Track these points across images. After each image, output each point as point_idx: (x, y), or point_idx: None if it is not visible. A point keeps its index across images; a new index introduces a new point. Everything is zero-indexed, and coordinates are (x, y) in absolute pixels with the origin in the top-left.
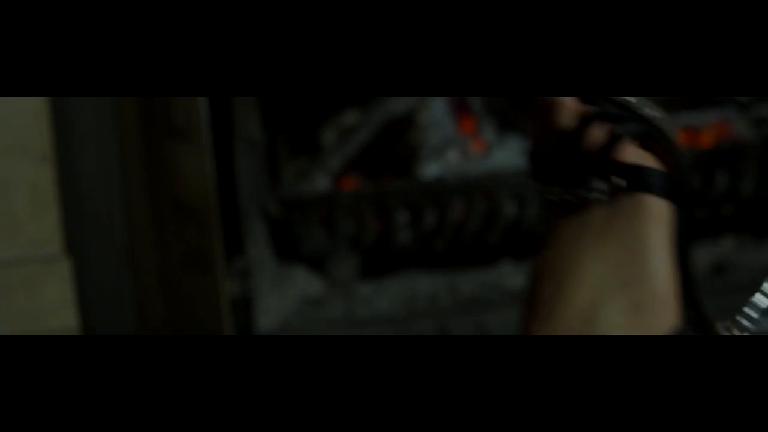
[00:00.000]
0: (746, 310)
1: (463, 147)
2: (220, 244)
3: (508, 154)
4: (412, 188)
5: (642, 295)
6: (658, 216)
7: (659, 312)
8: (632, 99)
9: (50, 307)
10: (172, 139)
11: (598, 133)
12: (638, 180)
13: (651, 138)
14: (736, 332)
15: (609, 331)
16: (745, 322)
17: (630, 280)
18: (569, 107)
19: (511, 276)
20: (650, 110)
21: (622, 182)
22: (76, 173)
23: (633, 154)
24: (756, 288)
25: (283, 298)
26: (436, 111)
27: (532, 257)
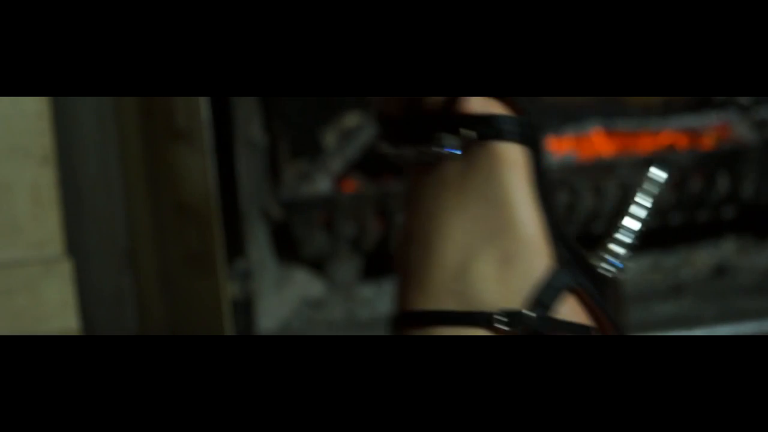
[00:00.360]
0: (614, 243)
1: None
2: (221, 245)
3: None
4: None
5: (510, 244)
6: (513, 162)
7: (530, 258)
8: None
9: (51, 308)
10: (174, 141)
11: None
12: (487, 129)
13: None
14: (606, 266)
15: (483, 285)
16: (612, 256)
17: (496, 230)
18: None
19: None
20: None
21: (472, 133)
22: (77, 175)
23: (479, 104)
24: (758, 290)
25: (284, 299)
26: None
27: None
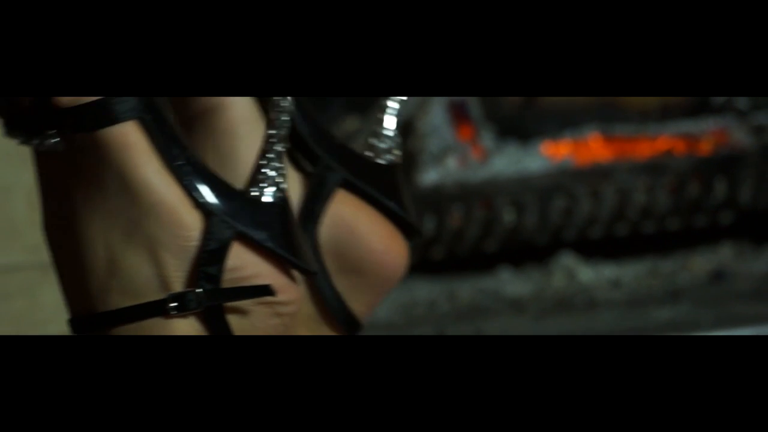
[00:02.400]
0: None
1: (462, 154)
2: None
3: (507, 162)
4: (411, 195)
5: (152, 227)
6: (124, 143)
7: (176, 232)
8: None
9: (48, 312)
10: None
11: None
12: (81, 120)
13: None
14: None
15: (140, 275)
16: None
17: (133, 218)
18: None
19: (510, 283)
20: None
21: (53, 132)
22: None
23: (68, 99)
24: (755, 295)
25: None
26: (435, 118)
27: (531, 265)
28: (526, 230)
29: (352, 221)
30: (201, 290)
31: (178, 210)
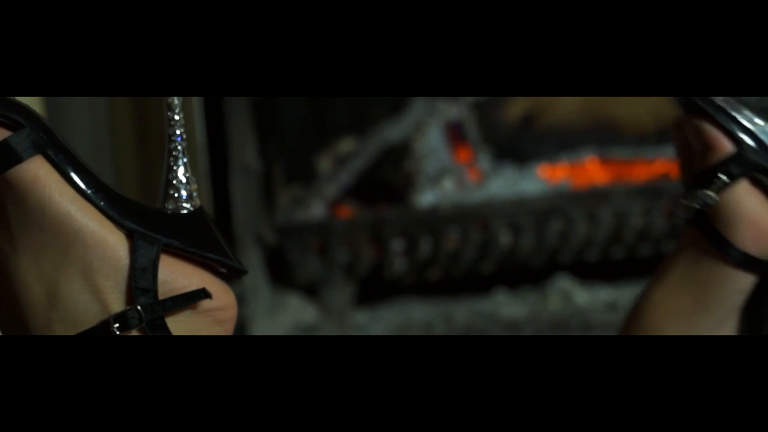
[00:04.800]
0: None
1: (458, 176)
2: None
3: (504, 184)
4: (408, 216)
5: (79, 252)
6: (31, 179)
7: (103, 252)
8: None
9: None
10: None
11: None
12: None
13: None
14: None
15: (78, 302)
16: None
17: (62, 248)
18: None
19: (506, 305)
20: None
21: None
22: None
23: None
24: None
25: (277, 324)
26: (432, 139)
27: (528, 287)
28: (523, 252)
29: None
30: (140, 307)
31: (101, 233)
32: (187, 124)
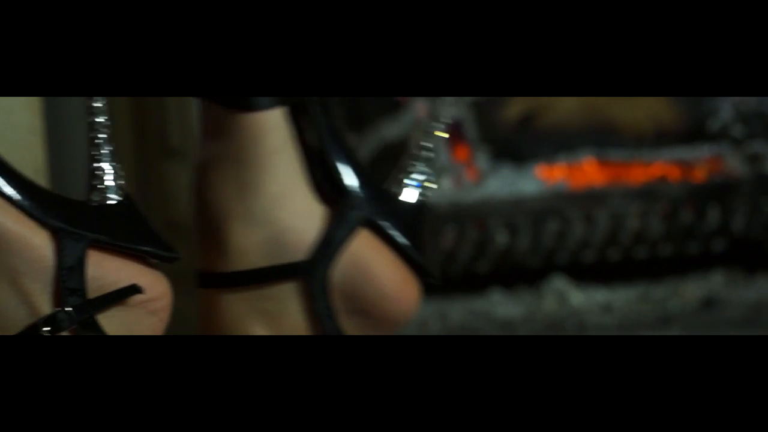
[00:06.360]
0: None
1: (456, 175)
2: None
3: (502, 183)
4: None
5: (3, 260)
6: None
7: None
8: None
9: None
10: (167, 160)
11: None
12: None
13: None
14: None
15: (1, 311)
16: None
17: None
18: None
19: (501, 305)
20: None
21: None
22: (69, 190)
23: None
24: (746, 323)
25: None
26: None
27: (523, 287)
28: (519, 252)
29: (367, 263)
30: (69, 308)
31: (25, 235)
32: (187, 122)
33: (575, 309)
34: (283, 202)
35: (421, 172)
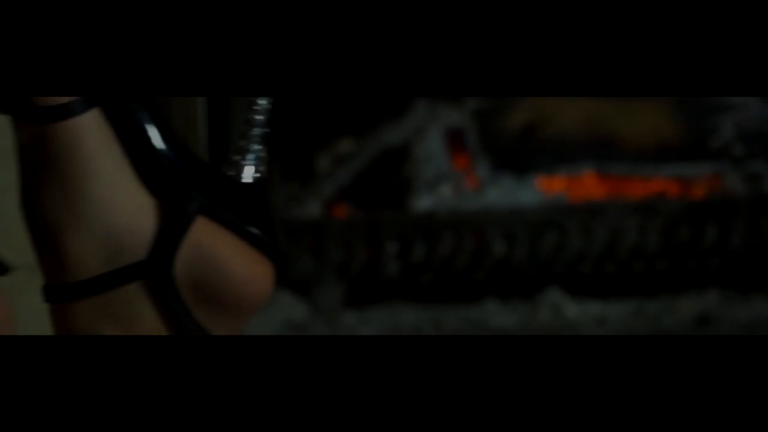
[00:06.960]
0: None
1: (456, 182)
2: None
3: (501, 192)
4: (403, 220)
5: None
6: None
7: None
8: None
9: (35, 314)
10: None
11: None
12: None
13: None
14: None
15: None
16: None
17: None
18: None
19: (496, 315)
20: None
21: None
22: None
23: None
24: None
25: (267, 321)
26: (431, 144)
27: (519, 298)
28: (516, 262)
29: (210, 252)
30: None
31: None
32: (190, 121)
33: (570, 321)
34: (113, 204)
35: (253, 150)
